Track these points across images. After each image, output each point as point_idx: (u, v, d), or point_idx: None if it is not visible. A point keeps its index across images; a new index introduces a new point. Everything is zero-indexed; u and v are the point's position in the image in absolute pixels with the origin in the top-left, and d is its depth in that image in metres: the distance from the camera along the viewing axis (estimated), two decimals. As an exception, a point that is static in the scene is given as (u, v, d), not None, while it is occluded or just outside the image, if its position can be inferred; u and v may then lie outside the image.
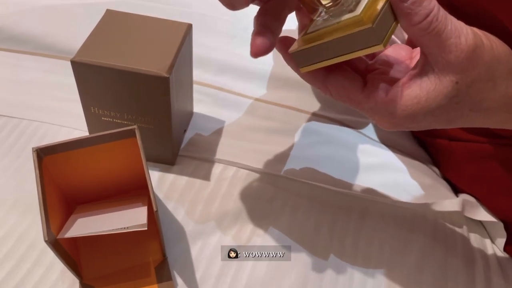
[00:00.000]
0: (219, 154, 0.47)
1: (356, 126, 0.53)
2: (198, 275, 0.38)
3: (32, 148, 0.32)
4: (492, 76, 0.28)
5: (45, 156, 0.33)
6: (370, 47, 0.26)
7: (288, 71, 0.34)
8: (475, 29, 0.27)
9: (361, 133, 0.53)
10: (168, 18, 0.64)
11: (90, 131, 0.44)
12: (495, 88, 0.28)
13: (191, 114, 0.50)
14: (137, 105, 0.40)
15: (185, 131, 0.48)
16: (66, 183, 0.37)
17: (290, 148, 0.49)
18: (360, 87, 0.29)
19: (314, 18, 0.29)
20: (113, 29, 0.41)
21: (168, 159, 0.44)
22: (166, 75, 0.37)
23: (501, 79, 0.28)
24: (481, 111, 0.29)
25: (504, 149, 0.46)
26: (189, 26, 0.43)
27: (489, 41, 0.27)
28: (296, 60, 0.30)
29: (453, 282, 0.41)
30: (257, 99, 0.54)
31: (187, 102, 0.47)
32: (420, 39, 0.27)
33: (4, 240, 0.39)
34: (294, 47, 0.30)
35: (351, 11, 0.27)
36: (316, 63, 0.29)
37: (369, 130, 0.53)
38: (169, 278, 0.37)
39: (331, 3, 0.28)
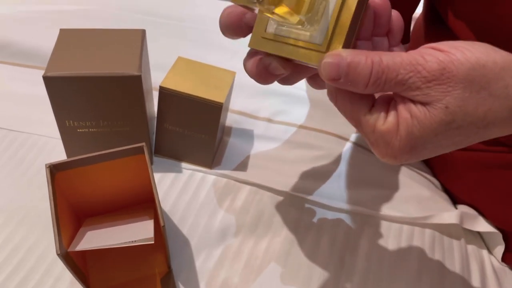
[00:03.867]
0: (222, 169, 0.48)
1: (358, 141, 0.54)
2: (202, 286, 0.40)
3: (46, 165, 0.33)
4: (481, 86, 0.25)
5: (57, 172, 0.34)
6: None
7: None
8: (437, 51, 0.26)
9: (361, 146, 0.54)
10: (168, 33, 0.66)
11: (65, 145, 0.44)
12: (493, 95, 0.25)
13: (155, 118, 0.50)
14: (112, 109, 0.42)
15: (152, 133, 0.49)
16: (76, 197, 0.38)
17: (292, 163, 0.50)
18: (366, 108, 0.27)
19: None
20: (73, 44, 0.42)
21: (148, 151, 0.45)
22: (138, 74, 0.39)
23: (493, 82, 0.25)
24: (489, 125, 0.26)
25: (505, 157, 0.47)
26: (143, 32, 0.44)
27: (459, 51, 0.25)
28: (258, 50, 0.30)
29: (450, 293, 0.42)
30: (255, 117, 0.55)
31: (151, 107, 0.49)
32: (380, 91, 0.26)
33: (14, 252, 0.40)
34: (255, 44, 0.29)
35: (311, 28, 0.27)
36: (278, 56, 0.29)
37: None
38: (174, 289, 0.39)
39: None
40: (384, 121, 0.27)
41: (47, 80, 0.38)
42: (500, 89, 0.25)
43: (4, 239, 0.41)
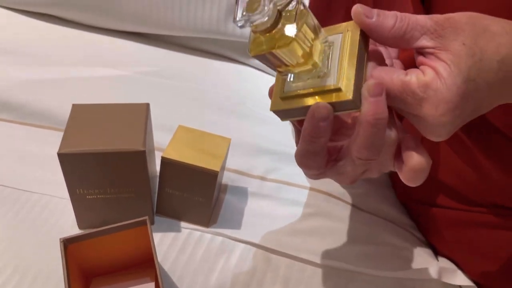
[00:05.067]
0: (218, 227, 0.52)
1: (346, 198, 0.58)
2: None
3: (60, 239, 0.38)
4: (482, 27, 0.29)
5: (69, 244, 0.38)
6: (348, 110, 0.30)
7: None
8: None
9: (346, 202, 0.58)
10: (171, 93, 0.71)
11: (75, 209, 0.49)
12: (496, 33, 0.29)
13: (157, 176, 0.55)
14: (118, 179, 0.46)
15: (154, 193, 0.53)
16: (86, 262, 0.42)
17: (283, 220, 0.55)
18: (403, 74, 0.30)
19: (282, 75, 0.32)
20: (85, 119, 0.47)
21: (150, 220, 0.49)
22: (142, 149, 0.44)
23: (492, 24, 0.29)
24: (505, 60, 0.29)
25: (481, 217, 0.51)
26: (148, 106, 0.49)
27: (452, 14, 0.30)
28: (277, 114, 0.33)
29: None
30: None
31: (153, 167, 0.53)
32: (402, 37, 0.30)
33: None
34: (275, 106, 0.32)
35: (323, 75, 0.30)
36: (296, 117, 0.33)
37: (357, 199, 0.59)
38: None
39: (301, 69, 0.30)
40: (424, 75, 0.29)
41: (62, 156, 0.43)
42: (500, 28, 0.29)
43: (18, 298, 0.45)
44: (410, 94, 0.29)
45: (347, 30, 0.31)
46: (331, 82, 0.30)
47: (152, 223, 0.51)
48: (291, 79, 0.32)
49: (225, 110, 0.68)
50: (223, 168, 0.53)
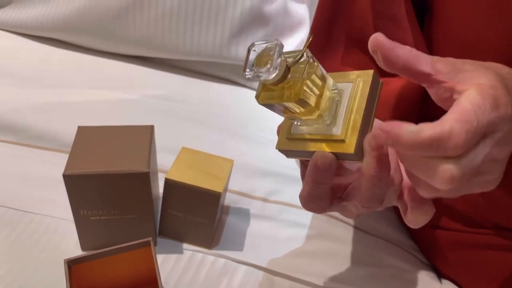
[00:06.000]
0: (220, 249, 0.52)
1: (348, 220, 0.59)
2: None
3: (64, 260, 0.38)
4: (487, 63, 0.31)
5: (74, 265, 0.38)
6: (351, 161, 0.31)
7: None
8: None
9: (348, 224, 0.58)
10: (172, 114, 0.72)
11: (78, 230, 0.49)
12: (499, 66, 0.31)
13: (160, 198, 0.55)
14: (122, 200, 0.46)
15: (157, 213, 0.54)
16: (89, 283, 0.42)
17: (285, 241, 0.55)
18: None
19: (289, 119, 0.33)
20: (90, 141, 0.47)
21: (153, 240, 0.50)
22: (147, 170, 0.44)
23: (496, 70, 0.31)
24: None
25: (485, 238, 0.51)
26: (152, 128, 0.50)
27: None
28: (282, 153, 0.34)
29: None
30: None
31: (157, 188, 0.54)
32: (419, 61, 0.29)
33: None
34: (281, 145, 0.33)
35: (329, 123, 0.30)
36: (301, 158, 0.33)
37: (359, 221, 0.59)
38: None
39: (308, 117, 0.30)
40: (468, 89, 0.28)
41: (67, 178, 0.43)
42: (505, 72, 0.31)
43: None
44: (483, 101, 0.27)
45: (359, 80, 0.31)
46: (336, 132, 0.30)
47: (154, 244, 0.51)
48: (299, 122, 0.32)
49: (228, 132, 0.68)
50: (225, 189, 0.53)
